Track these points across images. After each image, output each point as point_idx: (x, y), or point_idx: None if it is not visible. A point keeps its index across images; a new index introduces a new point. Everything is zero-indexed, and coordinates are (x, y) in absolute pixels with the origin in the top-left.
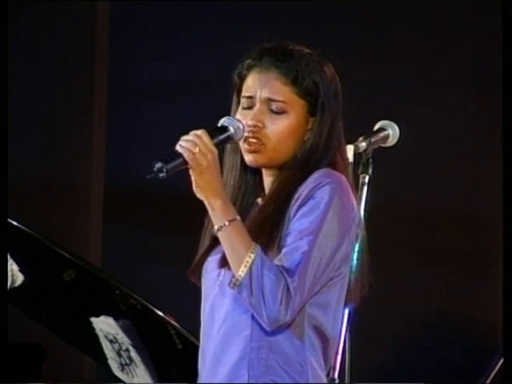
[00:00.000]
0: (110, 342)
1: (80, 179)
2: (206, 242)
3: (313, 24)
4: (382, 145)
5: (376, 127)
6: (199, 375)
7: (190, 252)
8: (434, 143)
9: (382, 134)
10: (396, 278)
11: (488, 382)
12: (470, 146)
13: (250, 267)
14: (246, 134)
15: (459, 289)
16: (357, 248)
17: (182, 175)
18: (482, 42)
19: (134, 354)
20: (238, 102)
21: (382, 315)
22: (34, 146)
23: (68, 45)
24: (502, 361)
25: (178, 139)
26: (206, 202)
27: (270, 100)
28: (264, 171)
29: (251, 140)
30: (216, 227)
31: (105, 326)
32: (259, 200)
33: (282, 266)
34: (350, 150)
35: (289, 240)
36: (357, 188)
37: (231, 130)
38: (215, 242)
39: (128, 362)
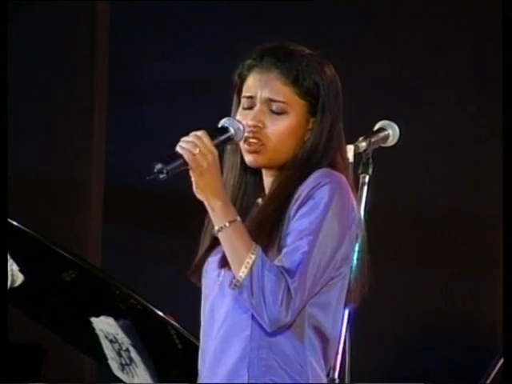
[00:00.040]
0: (110, 341)
1: (80, 179)
2: (206, 242)
3: (313, 24)
4: (382, 145)
5: (376, 127)
6: (199, 375)
7: (190, 252)
8: (433, 143)
9: (382, 134)
10: (396, 278)
11: (488, 382)
12: (469, 146)
13: (251, 268)
14: (246, 134)
15: (459, 289)
16: (357, 248)
17: (182, 175)
18: (482, 42)
19: (134, 353)
20: (239, 102)
21: (382, 315)
22: (34, 146)
23: (68, 45)
24: (502, 361)
25: (178, 139)
26: (206, 203)
27: (270, 100)
28: (264, 171)
29: (251, 140)
30: (216, 228)
31: (105, 325)
32: (259, 200)
33: (283, 267)
34: (350, 150)
35: (289, 240)
36: (357, 188)
37: (231, 130)
38: (215, 242)
39: (128, 361)
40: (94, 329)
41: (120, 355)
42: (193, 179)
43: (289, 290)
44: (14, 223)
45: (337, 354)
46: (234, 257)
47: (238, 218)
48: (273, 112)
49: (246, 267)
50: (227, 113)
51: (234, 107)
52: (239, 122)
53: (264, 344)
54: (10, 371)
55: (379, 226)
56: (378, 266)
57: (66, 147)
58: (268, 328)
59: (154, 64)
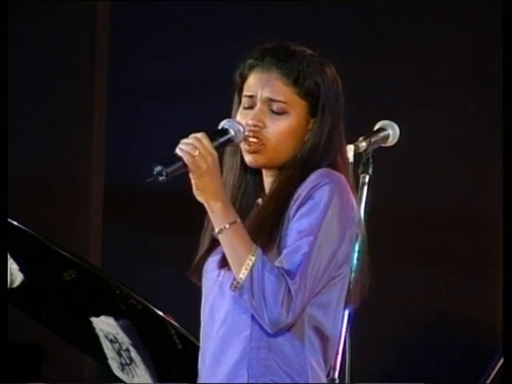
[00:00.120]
0: (111, 341)
1: (80, 179)
2: (205, 242)
3: (313, 24)
4: (382, 145)
5: (376, 127)
6: (199, 375)
7: (190, 252)
8: (434, 143)
9: (382, 134)
10: (396, 278)
11: (488, 382)
12: (470, 146)
13: (251, 270)
14: (246, 133)
15: (459, 289)
16: (357, 248)
17: (182, 176)
18: (482, 42)
19: (134, 353)
20: (240, 102)
21: (382, 315)
22: (34, 146)
23: (68, 45)
24: (502, 361)
25: (178, 139)
26: (206, 205)
27: (270, 100)
28: (264, 171)
29: (251, 140)
30: (216, 230)
31: (105, 325)
32: (259, 200)
33: (283, 268)
34: (350, 150)
35: (289, 241)
36: (357, 188)
37: (232, 132)
38: (215, 242)
39: (128, 361)
40: (94, 329)
41: (120, 355)
42: (192, 181)
43: (289, 291)
44: (14, 223)
45: (337, 354)
46: (235, 258)
47: (238, 220)
48: (273, 112)
49: (246, 269)
50: (227, 113)
51: (234, 106)
52: (239, 123)
53: (264, 344)
54: (10, 371)
55: (379, 226)
56: (378, 266)
57: (65, 147)
58: (269, 329)
59: (154, 64)
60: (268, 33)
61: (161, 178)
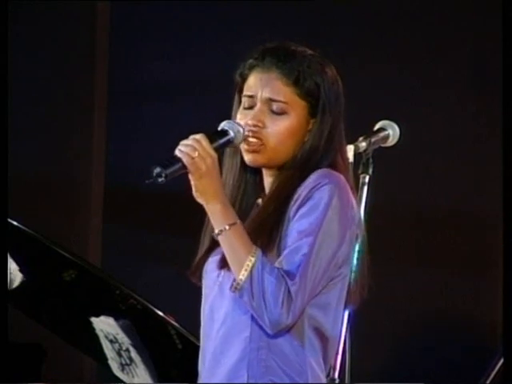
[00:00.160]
0: (110, 341)
1: (80, 179)
2: (206, 242)
3: (313, 24)
4: (382, 145)
5: (376, 127)
6: (199, 375)
7: (190, 252)
8: (434, 143)
9: (382, 134)
10: (396, 278)
11: (488, 382)
12: (470, 146)
13: (251, 271)
14: (246, 133)
15: (459, 289)
16: (357, 248)
17: (182, 176)
18: (482, 42)
19: (134, 354)
20: (240, 102)
21: (382, 315)
22: (34, 146)
23: (68, 45)
24: (502, 361)
25: (178, 139)
26: (205, 206)
27: (270, 100)
28: (264, 171)
29: (251, 140)
30: (216, 231)
31: (105, 326)
32: (259, 201)
33: (283, 269)
34: (350, 150)
35: (289, 241)
36: (357, 188)
37: (231, 133)
38: (215, 242)
39: (128, 361)
40: (94, 329)
41: (120, 355)
42: (192, 183)
43: (289, 292)
44: (14, 223)
45: (337, 354)
46: (234, 260)
47: (238, 221)
48: (273, 112)
49: (246, 270)
50: (227, 113)
51: (235, 106)
52: (239, 124)
53: (263, 345)
54: (10, 371)
55: (379, 226)
56: (378, 266)
57: (66, 147)
58: (269, 330)
59: (154, 64)
60: (268, 33)
61: (160, 180)
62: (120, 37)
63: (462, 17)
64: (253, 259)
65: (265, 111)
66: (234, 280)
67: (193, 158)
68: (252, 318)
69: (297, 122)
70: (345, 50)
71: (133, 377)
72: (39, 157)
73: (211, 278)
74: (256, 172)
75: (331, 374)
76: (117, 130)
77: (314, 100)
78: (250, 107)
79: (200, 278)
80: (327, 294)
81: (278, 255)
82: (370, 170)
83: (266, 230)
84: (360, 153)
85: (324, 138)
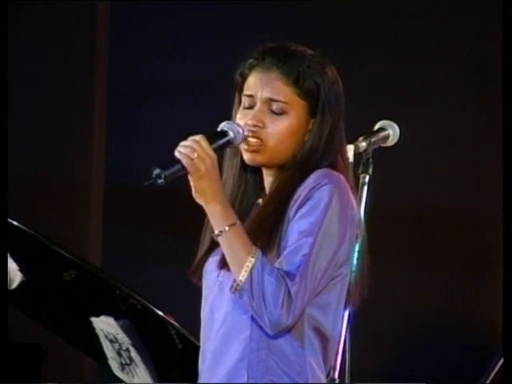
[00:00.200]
0: (111, 341)
1: (80, 179)
2: (206, 242)
3: (313, 24)
4: (382, 145)
5: (376, 127)
6: (199, 375)
7: (190, 252)
8: (434, 143)
9: (382, 134)
10: (396, 278)
11: (488, 382)
12: (470, 146)
13: (251, 272)
14: (245, 133)
15: (459, 289)
16: (357, 248)
17: (182, 176)
18: (482, 42)
19: (134, 353)
20: (240, 101)
21: (382, 315)
22: (34, 146)
23: (68, 45)
24: (502, 361)
25: (178, 139)
26: (205, 207)
27: (270, 100)
28: (264, 171)
29: (251, 140)
30: (216, 232)
31: (105, 325)
32: (260, 200)
33: (283, 270)
34: (350, 150)
35: (289, 242)
36: (357, 188)
37: (231, 134)
38: (215, 242)
39: (128, 361)
40: (94, 329)
41: (120, 355)
42: (191, 184)
43: (289, 292)
44: (14, 223)
45: (337, 354)
46: (234, 260)
47: (238, 222)
48: (273, 112)
49: (245, 271)
50: (227, 113)
51: (235, 106)
52: (239, 125)
53: (263, 345)
54: (9, 371)
55: (379, 226)
56: (378, 266)
57: (66, 147)
58: (270, 331)
59: (154, 64)
60: (268, 33)
61: (159, 181)
62: (120, 37)
63: (462, 17)
64: (253, 260)
65: (265, 111)
66: (234, 281)
67: (192, 159)
68: (252, 318)
69: (297, 121)
70: (345, 49)
71: (133, 377)
72: (39, 157)
73: (211, 278)
74: (256, 172)
75: (331, 373)
76: (117, 130)
77: (313, 100)
78: (250, 107)
79: (200, 278)
80: (327, 294)
81: (278, 255)
82: (370, 170)
83: (265, 230)
84: (360, 153)
85: (324, 138)
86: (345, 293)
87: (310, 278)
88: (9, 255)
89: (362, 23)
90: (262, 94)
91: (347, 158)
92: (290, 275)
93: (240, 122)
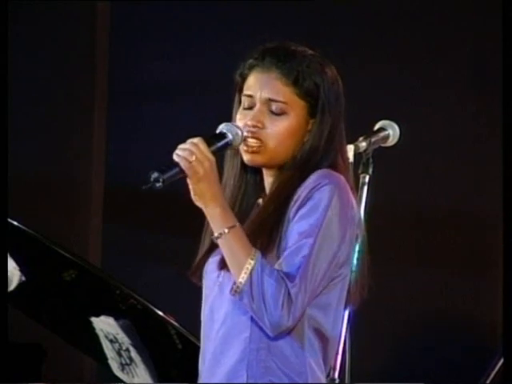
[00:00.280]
0: (111, 341)
1: (80, 179)
2: (206, 242)
3: (313, 24)
4: (383, 145)
5: (376, 127)
6: (199, 375)
7: (190, 252)
8: (434, 143)
9: (382, 134)
10: (396, 278)
11: (488, 382)
12: (470, 146)
13: (250, 273)
14: (245, 134)
15: (459, 289)
16: (357, 248)
17: (181, 178)
18: (482, 42)
19: (134, 353)
20: (240, 101)
21: (382, 315)
22: (34, 146)
23: (68, 45)
24: (502, 361)
25: (178, 139)
26: (204, 210)
27: (270, 100)
28: (264, 171)
29: (250, 140)
30: (215, 234)
31: (105, 325)
32: (260, 201)
33: (283, 271)
34: (350, 150)
35: (289, 242)
36: (357, 188)
37: (229, 136)
38: (215, 243)
39: (128, 361)
40: (94, 329)
41: (120, 355)
42: (190, 187)
43: (289, 294)
44: (14, 223)
45: (337, 354)
46: (234, 262)
47: (237, 224)
48: (272, 112)
49: (245, 273)
50: (227, 113)
51: (235, 106)
52: (237, 127)
53: (263, 346)
54: (10, 371)
55: (379, 226)
56: (378, 266)
57: (66, 147)
58: (270, 332)
59: (154, 64)
60: (268, 33)
61: (158, 185)
62: (120, 37)
63: (462, 17)
64: (252, 262)
65: (264, 111)
66: (234, 283)
67: (190, 162)
68: (252, 319)
69: (296, 122)
70: (345, 50)
71: (133, 377)
72: (39, 157)
73: (211, 278)
74: (256, 172)
75: (331, 374)
76: (117, 130)
77: (313, 100)
78: (250, 107)
79: (200, 279)
80: (327, 294)
81: (278, 256)
82: (370, 170)
83: (265, 231)
84: (360, 153)
85: (324, 138)
86: (345, 293)
87: (310, 279)
88: (9, 255)
89: (362, 23)
90: (262, 94)
91: (347, 158)
92: (289, 277)
93: (239, 123)
